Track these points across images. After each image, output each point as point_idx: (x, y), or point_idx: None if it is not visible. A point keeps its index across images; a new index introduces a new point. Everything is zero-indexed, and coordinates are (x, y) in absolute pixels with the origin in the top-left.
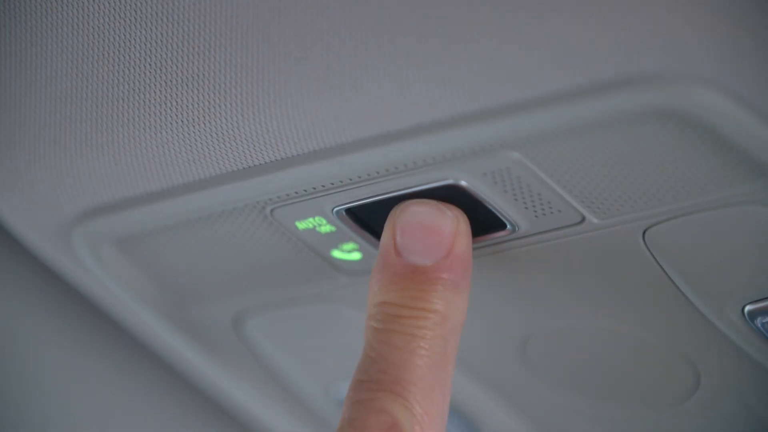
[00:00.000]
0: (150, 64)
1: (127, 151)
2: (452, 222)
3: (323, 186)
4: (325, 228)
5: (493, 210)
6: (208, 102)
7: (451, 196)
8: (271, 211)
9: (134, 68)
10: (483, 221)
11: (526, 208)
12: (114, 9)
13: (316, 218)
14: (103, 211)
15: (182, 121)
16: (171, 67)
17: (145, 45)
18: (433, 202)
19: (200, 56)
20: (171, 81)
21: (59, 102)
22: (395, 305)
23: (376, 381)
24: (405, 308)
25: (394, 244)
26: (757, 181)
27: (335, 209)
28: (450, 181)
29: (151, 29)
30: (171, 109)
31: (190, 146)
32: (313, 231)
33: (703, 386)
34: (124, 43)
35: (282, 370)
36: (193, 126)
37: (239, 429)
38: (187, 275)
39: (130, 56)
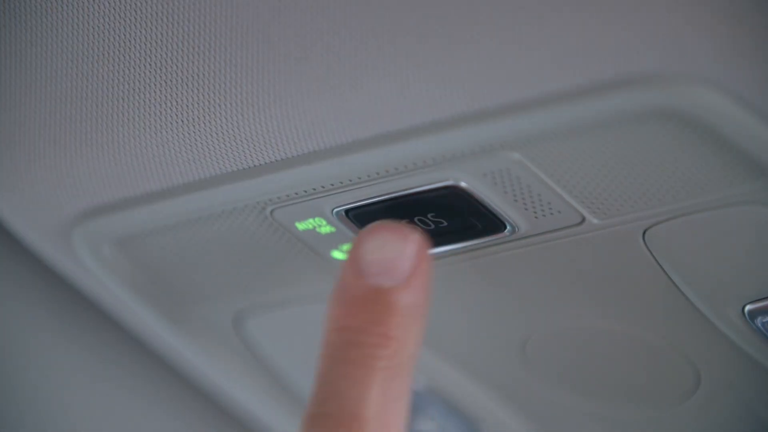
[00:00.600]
0: (150, 64)
1: (127, 151)
2: (414, 244)
3: (323, 187)
4: (325, 229)
5: (493, 211)
6: (208, 102)
7: (451, 196)
8: (271, 211)
9: (134, 68)
10: (483, 222)
11: (526, 208)
12: (114, 9)
13: (316, 219)
14: (103, 211)
15: (182, 121)
16: (171, 67)
17: (145, 45)
18: (395, 225)
19: (200, 56)
20: (171, 81)
21: (59, 102)
22: (354, 330)
23: (335, 417)
24: (365, 334)
25: (355, 266)
26: (757, 181)
27: (335, 210)
28: (450, 182)
29: (151, 29)
30: (171, 109)
31: (190, 146)
32: (313, 232)
33: (703, 386)
34: (124, 43)
35: (282, 370)
36: (193, 126)
37: (239, 429)
38: (187, 275)
39: (130, 56)
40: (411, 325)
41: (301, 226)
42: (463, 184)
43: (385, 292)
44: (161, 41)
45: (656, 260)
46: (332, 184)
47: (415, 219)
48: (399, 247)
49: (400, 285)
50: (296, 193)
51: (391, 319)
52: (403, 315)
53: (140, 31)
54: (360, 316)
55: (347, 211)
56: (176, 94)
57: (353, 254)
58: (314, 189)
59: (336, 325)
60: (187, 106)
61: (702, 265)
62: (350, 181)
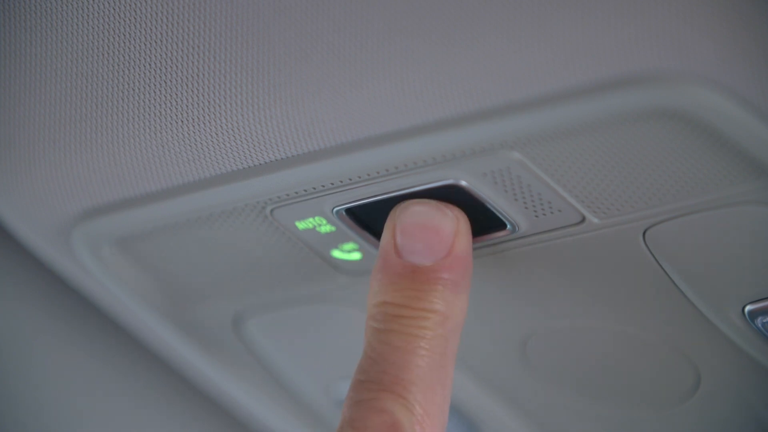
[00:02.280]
0: (150, 64)
1: (127, 151)
2: (452, 222)
3: (323, 186)
4: (325, 228)
5: (493, 210)
6: (208, 102)
7: (451, 196)
8: (271, 211)
9: (134, 68)
10: (483, 221)
11: (526, 207)
12: (114, 9)
13: (316, 218)
14: (103, 211)
15: (182, 121)
16: (171, 67)
17: (145, 45)
18: (433, 202)
19: (200, 56)
20: (171, 81)
21: (59, 102)
22: (395, 305)
23: (377, 381)
24: (405, 308)
25: (394, 244)
26: (757, 181)
27: (335, 209)
28: (450, 181)
29: (151, 29)
30: (171, 109)
31: (190, 146)
32: (313, 231)
33: (704, 386)
34: (124, 43)
35: (282, 370)
36: (193, 126)
37: (239, 429)
38: (187, 275)
39: (130, 56)
40: (452, 299)
41: (301, 225)
42: (463, 183)
43: (424, 270)
44: (161, 41)
45: (656, 260)
46: (332, 184)
47: None
48: (437, 225)
49: (438, 263)
50: (296, 193)
51: (431, 295)
52: (443, 290)
53: (140, 31)
54: (400, 292)
55: (347, 210)
56: (176, 94)
57: (391, 231)
58: (314, 188)
59: (378, 300)
60: (187, 106)
61: (702, 265)
62: (350, 180)
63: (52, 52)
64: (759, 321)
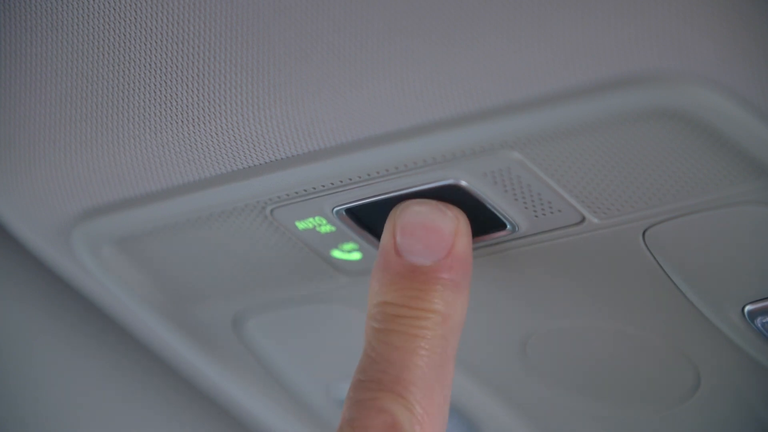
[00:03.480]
0: (150, 64)
1: (127, 151)
2: (452, 222)
3: (323, 186)
4: (325, 228)
5: (493, 210)
6: (208, 102)
7: (451, 196)
8: (271, 211)
9: (134, 68)
10: (483, 221)
11: (526, 208)
12: (114, 9)
13: (316, 218)
14: (103, 211)
15: (182, 121)
16: (171, 67)
17: (145, 45)
18: (433, 202)
19: (200, 56)
20: (171, 81)
21: (59, 102)
22: (395, 305)
23: (377, 381)
24: (405, 308)
25: (394, 243)
26: (757, 181)
27: (335, 209)
28: (450, 181)
29: (151, 29)
30: (171, 109)
31: (190, 146)
32: (313, 231)
33: (704, 386)
34: (124, 43)
35: (282, 370)
36: (193, 126)
37: (239, 429)
38: (187, 275)
39: (130, 56)
40: (452, 299)
41: (301, 225)
42: (463, 183)
43: (424, 269)
44: (161, 41)
45: (656, 260)
46: (332, 184)
47: None
48: (437, 225)
49: (438, 263)
50: (296, 193)
51: (431, 295)
52: (443, 290)
53: (140, 31)
54: (400, 292)
55: (347, 211)
56: (176, 94)
57: (391, 231)
58: (314, 188)
59: (378, 300)
60: (187, 106)
61: (702, 265)
62: (350, 180)
63: (52, 52)
64: (759, 321)
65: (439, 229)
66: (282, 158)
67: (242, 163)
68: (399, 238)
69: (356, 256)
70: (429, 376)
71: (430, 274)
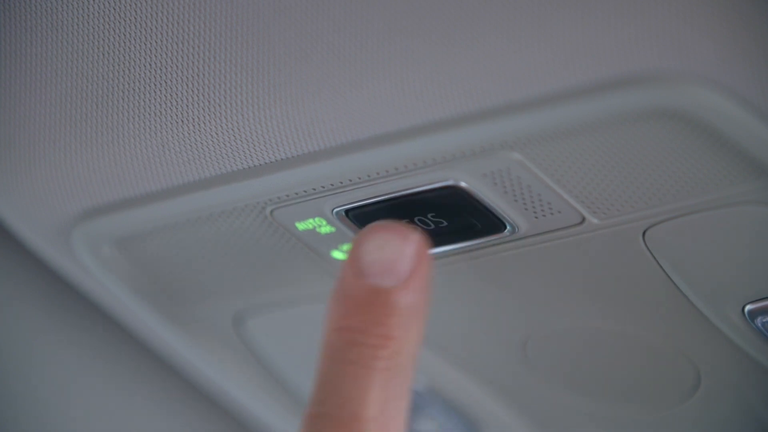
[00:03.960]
0: (150, 64)
1: (127, 151)
2: (413, 245)
3: (323, 187)
4: (325, 229)
5: (493, 211)
6: (208, 102)
7: (451, 196)
8: (271, 211)
9: (134, 68)
10: (483, 222)
11: (526, 208)
12: (114, 9)
13: (316, 219)
14: (103, 211)
15: (182, 121)
16: (171, 67)
17: (146, 45)
18: (395, 225)
19: (200, 56)
20: (171, 80)
21: (59, 102)
22: (354, 331)
23: (335, 417)
24: (364, 334)
25: (355, 266)
26: (757, 181)
27: (335, 210)
28: (450, 182)
29: (151, 29)
30: (171, 109)
31: (190, 146)
32: (313, 232)
33: (704, 386)
34: (124, 42)
35: (282, 370)
36: (193, 126)
37: (239, 429)
38: (187, 275)
39: (130, 56)
40: (411, 325)
41: (301, 226)
42: (463, 184)
43: (384, 292)
44: (161, 41)
45: (656, 260)
46: (332, 184)
47: (415, 219)
48: (399, 247)
49: (399, 285)
50: (296, 193)
51: (391, 320)
52: (403, 315)
53: (140, 31)
54: (360, 316)
55: (347, 211)
56: (176, 94)
57: (353, 254)
58: (314, 189)
59: (336, 326)
60: (187, 106)
61: (702, 265)
62: (350, 181)
63: (52, 52)
64: (759, 321)
65: (400, 251)
66: (282, 158)
67: (242, 164)
68: (360, 260)
69: None
70: (388, 411)
71: (391, 296)
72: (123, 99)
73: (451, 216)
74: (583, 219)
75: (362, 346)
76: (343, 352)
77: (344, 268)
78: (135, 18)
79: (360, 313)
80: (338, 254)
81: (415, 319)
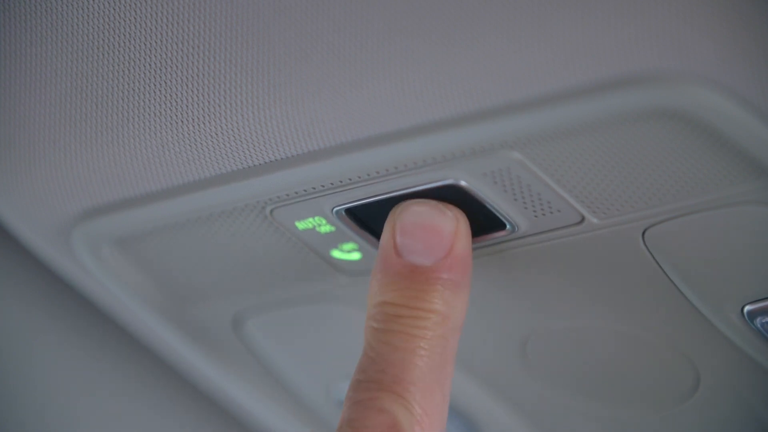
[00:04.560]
0: (150, 64)
1: (126, 151)
2: (452, 222)
3: (323, 186)
4: (325, 228)
5: (493, 210)
6: (208, 102)
7: (451, 196)
8: (271, 211)
9: (134, 68)
10: (483, 221)
11: (526, 208)
12: (114, 9)
13: (316, 218)
14: (103, 211)
15: (182, 121)
16: (171, 67)
17: (145, 45)
18: (432, 202)
19: (200, 56)
20: (171, 81)
21: (59, 102)
22: (395, 305)
23: (376, 381)
24: (405, 308)
25: (394, 243)
26: (757, 181)
27: (335, 209)
28: (450, 181)
29: (151, 29)
30: (171, 109)
31: (190, 146)
32: (312, 231)
33: (703, 386)
34: (124, 43)
35: (282, 370)
36: (193, 126)
37: (239, 429)
38: (187, 275)
39: (130, 56)
40: (452, 299)
41: (301, 225)
42: (463, 184)
43: (424, 269)
44: (161, 41)
45: (656, 260)
46: (332, 184)
47: None
48: (437, 226)
49: (438, 263)
50: (296, 193)
51: (431, 295)
52: (443, 290)
53: (140, 31)
54: (400, 291)
55: (347, 211)
56: (176, 94)
57: (390, 231)
58: (314, 188)
59: (378, 300)
60: (187, 106)
61: (702, 265)
62: (350, 180)
63: (52, 52)
64: (758, 321)
65: (438, 229)
66: (282, 158)
67: (242, 163)
68: (399, 238)
69: (356, 256)
70: (428, 377)
71: (430, 274)
72: (123, 99)
73: None
74: (583, 218)
75: (403, 318)
76: (386, 323)
77: (383, 244)
78: (135, 18)
79: (400, 288)
80: (338, 253)
81: (457, 293)
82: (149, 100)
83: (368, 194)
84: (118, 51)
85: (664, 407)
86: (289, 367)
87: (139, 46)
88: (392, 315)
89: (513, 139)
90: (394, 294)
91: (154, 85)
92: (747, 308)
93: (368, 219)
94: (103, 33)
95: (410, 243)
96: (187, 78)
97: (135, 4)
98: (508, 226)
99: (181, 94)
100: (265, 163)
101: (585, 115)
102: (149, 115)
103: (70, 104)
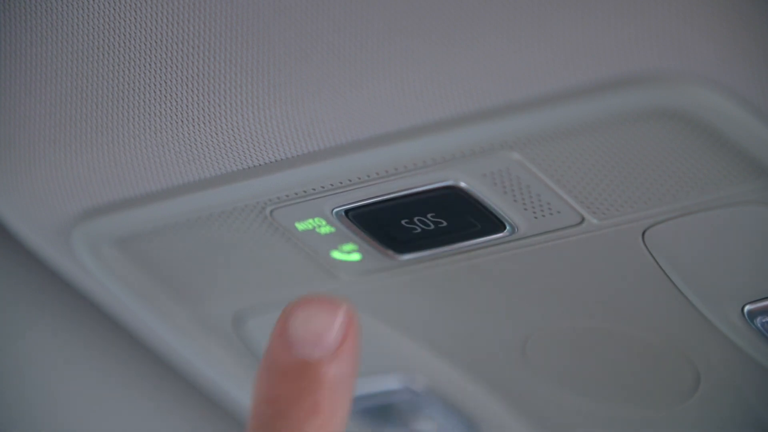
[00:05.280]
0: (150, 64)
1: (127, 151)
2: (342, 316)
3: (323, 187)
4: (325, 229)
5: (493, 211)
6: (208, 102)
7: (451, 197)
8: (271, 211)
9: (134, 68)
10: (482, 222)
11: (526, 209)
12: (114, 9)
13: (316, 219)
14: (103, 211)
15: (182, 121)
16: (171, 67)
17: (145, 45)
18: (324, 297)
19: (200, 56)
20: (171, 81)
21: (59, 102)
22: (282, 402)
23: None
24: (292, 406)
25: (283, 338)
26: (757, 181)
27: (335, 210)
28: (449, 182)
29: (150, 29)
30: (171, 109)
31: (190, 146)
32: (312, 232)
33: (703, 386)
34: (124, 43)
35: None
36: (193, 126)
37: (239, 429)
38: (187, 275)
39: (129, 56)
40: (339, 398)
41: (300, 226)
42: (462, 185)
43: (313, 364)
44: (161, 41)
45: (655, 260)
46: (332, 184)
47: (415, 219)
48: (327, 320)
49: (328, 357)
50: (296, 193)
51: (319, 392)
52: (331, 387)
53: (140, 31)
54: (288, 387)
55: (347, 211)
56: (176, 94)
57: (281, 326)
58: (314, 189)
59: (264, 397)
60: (187, 106)
61: (701, 265)
62: (350, 181)
63: (52, 52)
64: (758, 321)
65: (328, 323)
66: (282, 158)
67: (242, 164)
68: (289, 333)
69: (356, 257)
70: None
71: (319, 369)
72: (123, 99)
73: (450, 216)
74: (583, 219)
75: (290, 417)
76: (271, 422)
77: (272, 339)
78: (134, 18)
79: (288, 384)
80: (338, 254)
81: (344, 391)
82: (149, 100)
83: (368, 195)
84: (118, 51)
85: (664, 407)
86: None
87: (139, 46)
88: (279, 414)
89: (513, 139)
90: (282, 390)
91: (154, 85)
92: (747, 308)
93: (368, 220)
94: (103, 33)
95: (299, 337)
96: (187, 78)
97: (135, 4)
98: (507, 227)
99: (181, 94)
100: (265, 163)
101: (585, 115)
102: (149, 115)
103: (70, 104)
